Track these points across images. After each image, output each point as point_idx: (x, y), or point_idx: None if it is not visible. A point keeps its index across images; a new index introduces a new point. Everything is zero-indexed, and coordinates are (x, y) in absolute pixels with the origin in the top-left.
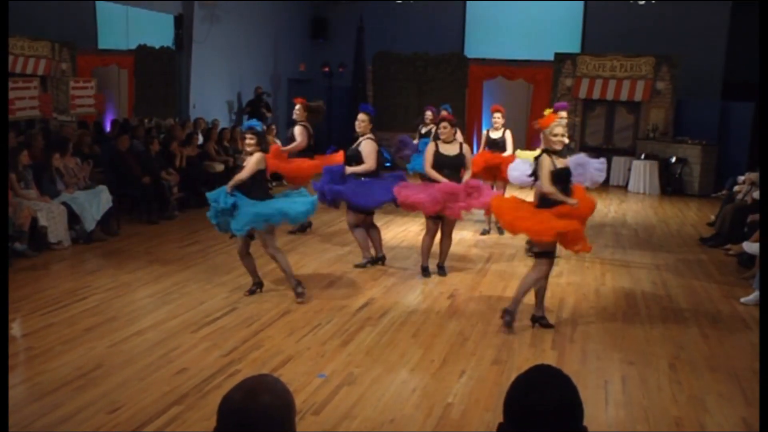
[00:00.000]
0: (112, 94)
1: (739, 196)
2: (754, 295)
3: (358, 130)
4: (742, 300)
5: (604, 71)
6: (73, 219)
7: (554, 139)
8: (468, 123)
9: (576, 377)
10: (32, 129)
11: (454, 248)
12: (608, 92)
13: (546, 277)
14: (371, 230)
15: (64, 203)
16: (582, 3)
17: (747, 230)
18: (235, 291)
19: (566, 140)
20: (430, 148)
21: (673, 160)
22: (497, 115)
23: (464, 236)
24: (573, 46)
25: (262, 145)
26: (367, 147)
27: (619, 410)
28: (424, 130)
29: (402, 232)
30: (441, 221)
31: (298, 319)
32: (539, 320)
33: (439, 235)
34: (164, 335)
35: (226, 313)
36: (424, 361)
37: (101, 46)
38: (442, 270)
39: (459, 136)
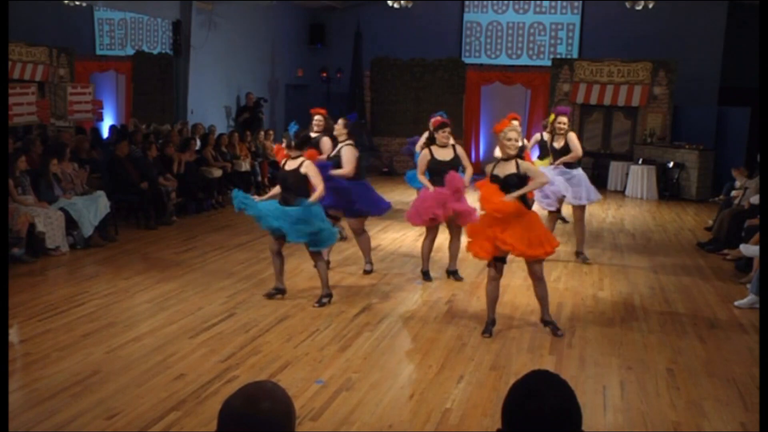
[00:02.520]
0: (111, 100)
1: (737, 201)
2: (748, 299)
3: (340, 138)
4: (736, 303)
5: (601, 76)
6: (71, 225)
7: (507, 143)
8: (466, 129)
9: (574, 382)
10: (30, 135)
11: None
12: (605, 97)
13: (491, 280)
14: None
15: (61, 209)
16: (579, 9)
17: (744, 235)
18: (233, 296)
19: (519, 144)
20: (425, 155)
21: (671, 165)
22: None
23: (461, 241)
24: (570, 51)
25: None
26: (348, 152)
27: (618, 415)
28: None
29: (400, 237)
30: (448, 224)
31: (296, 324)
32: (548, 324)
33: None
34: (162, 341)
35: (223, 319)
36: (422, 367)
37: (99, 51)
38: (455, 275)
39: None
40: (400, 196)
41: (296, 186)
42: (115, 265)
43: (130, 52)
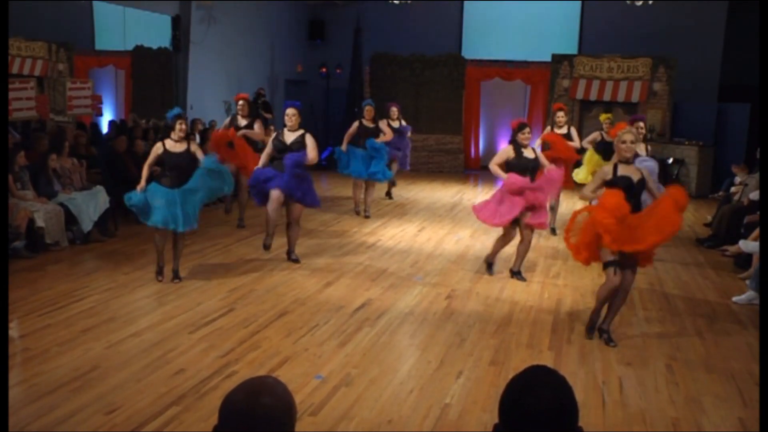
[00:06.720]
0: (110, 95)
1: (736, 197)
2: (747, 295)
3: (288, 124)
4: (735, 299)
5: (601, 72)
6: (70, 220)
7: (622, 146)
8: (465, 124)
9: (573, 378)
10: (29, 129)
11: (452, 248)
12: (605, 93)
13: (612, 288)
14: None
15: (61, 204)
16: (579, 4)
17: (744, 231)
18: (233, 292)
19: (636, 149)
20: (508, 152)
21: (671, 161)
22: (560, 113)
23: (462, 236)
24: (570, 47)
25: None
26: (313, 140)
27: (617, 411)
28: (396, 126)
29: (399, 233)
30: (518, 225)
31: (295, 319)
32: (604, 332)
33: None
34: (161, 336)
35: (223, 314)
36: (421, 362)
37: (98, 46)
38: (519, 275)
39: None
40: (399, 191)
41: (188, 167)
42: (114, 261)
43: (130, 47)
